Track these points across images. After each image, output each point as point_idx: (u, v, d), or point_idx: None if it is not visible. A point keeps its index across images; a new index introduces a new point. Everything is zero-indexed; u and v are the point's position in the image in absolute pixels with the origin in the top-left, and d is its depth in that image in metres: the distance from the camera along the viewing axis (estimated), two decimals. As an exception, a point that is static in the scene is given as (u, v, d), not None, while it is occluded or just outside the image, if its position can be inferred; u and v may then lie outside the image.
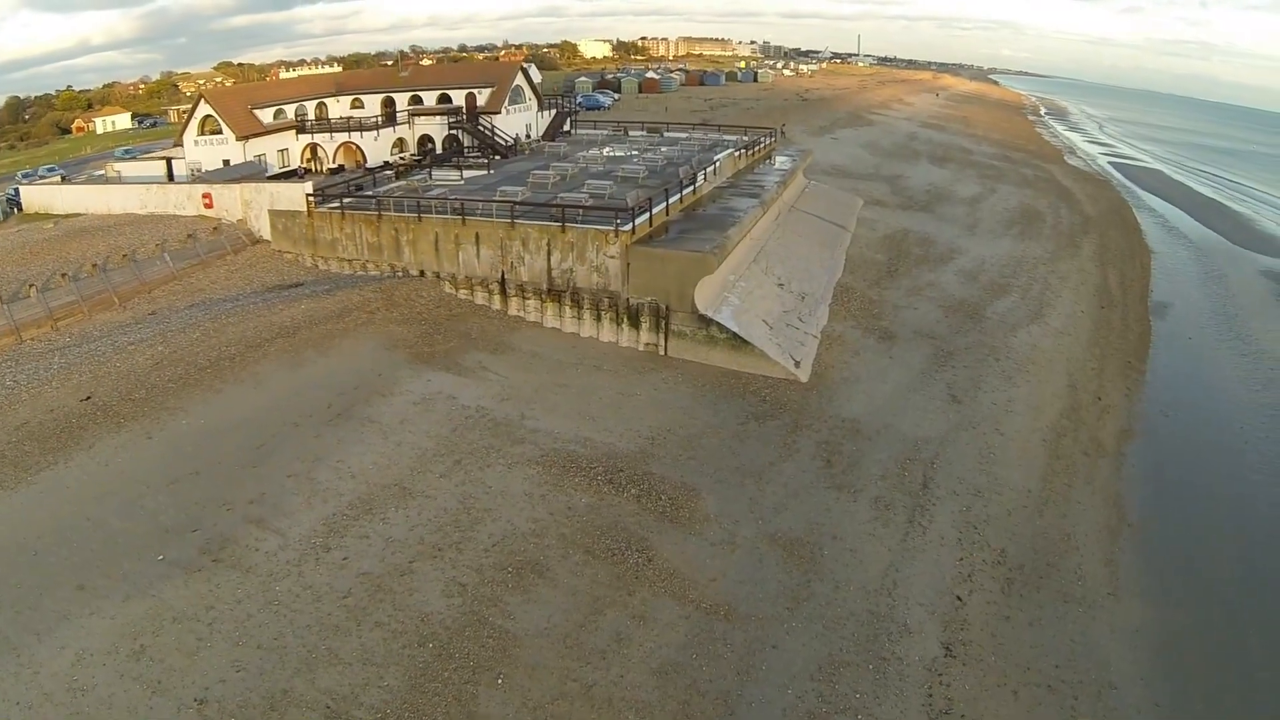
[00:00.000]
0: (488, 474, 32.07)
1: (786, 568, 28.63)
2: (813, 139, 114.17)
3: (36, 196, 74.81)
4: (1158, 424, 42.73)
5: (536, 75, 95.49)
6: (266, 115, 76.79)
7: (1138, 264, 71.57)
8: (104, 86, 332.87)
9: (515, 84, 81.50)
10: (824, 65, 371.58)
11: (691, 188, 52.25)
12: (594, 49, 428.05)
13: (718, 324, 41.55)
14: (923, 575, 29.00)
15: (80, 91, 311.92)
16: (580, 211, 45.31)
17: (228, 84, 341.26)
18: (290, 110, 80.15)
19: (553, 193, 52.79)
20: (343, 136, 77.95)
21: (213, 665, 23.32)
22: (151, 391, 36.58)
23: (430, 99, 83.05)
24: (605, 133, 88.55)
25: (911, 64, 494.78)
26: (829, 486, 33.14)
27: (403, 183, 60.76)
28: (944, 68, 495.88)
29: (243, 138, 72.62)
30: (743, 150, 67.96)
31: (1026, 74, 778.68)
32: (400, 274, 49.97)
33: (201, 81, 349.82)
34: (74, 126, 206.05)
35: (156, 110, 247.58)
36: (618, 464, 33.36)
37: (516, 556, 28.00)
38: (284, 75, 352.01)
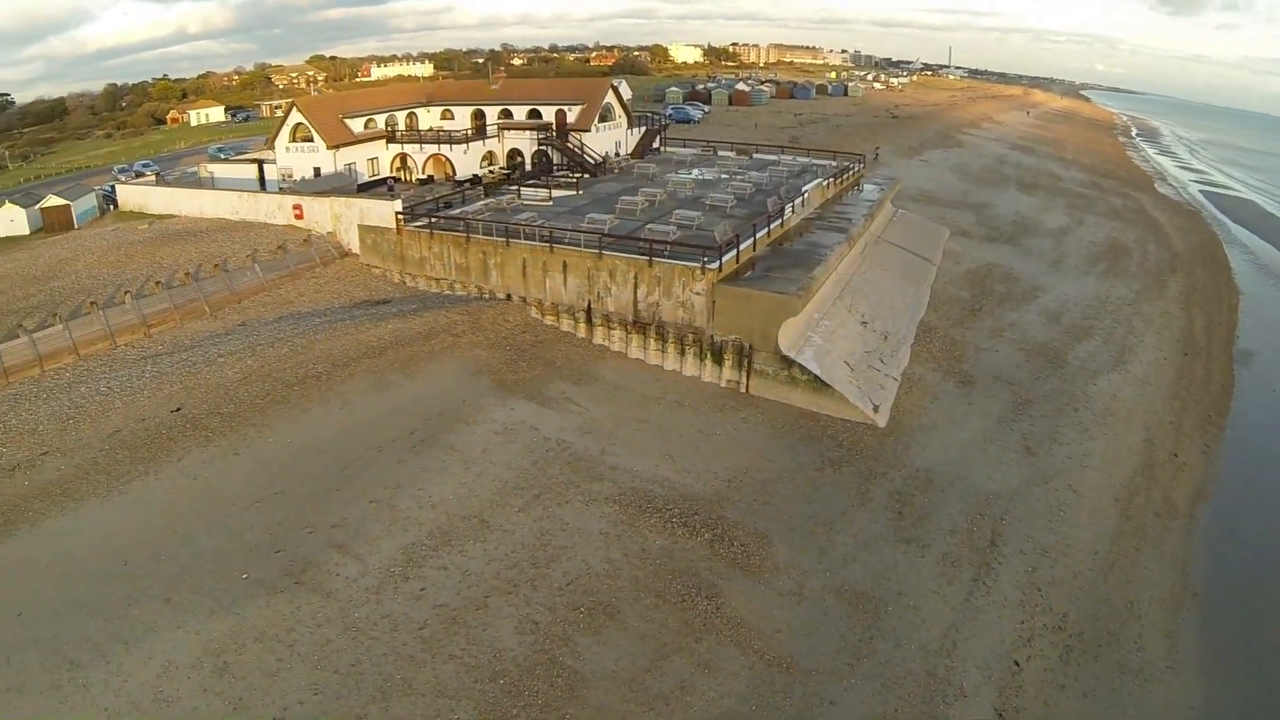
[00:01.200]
0: (565, 510, 33.31)
1: (850, 622, 29.35)
2: (902, 160, 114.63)
3: (132, 195, 78.55)
4: (1233, 485, 41.83)
5: (627, 91, 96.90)
6: (357, 124, 79.25)
7: (1225, 307, 70.02)
8: (199, 77, 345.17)
9: (606, 102, 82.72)
10: (914, 78, 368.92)
11: (779, 221, 52.85)
12: (685, 53, 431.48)
13: (800, 365, 42.39)
14: (983, 637, 29.47)
15: (175, 80, 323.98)
16: (667, 246, 46.44)
17: (319, 77, 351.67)
18: (381, 120, 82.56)
19: (641, 221, 54.02)
20: (432, 148, 79.93)
21: (292, 686, 24.87)
22: (240, 406, 38.59)
23: (520, 113, 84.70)
24: (694, 152, 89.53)
25: (1003, 78, 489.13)
26: (898, 540, 33.75)
27: (491, 200, 62.50)
28: (1035, 82, 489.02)
29: (333, 147, 75.05)
30: (831, 179, 68.42)
31: (1119, 90, 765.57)
32: (487, 296, 51.73)
33: (294, 75, 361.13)
34: (169, 117, 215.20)
35: (249, 103, 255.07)
36: (693, 506, 34.33)
37: (589, 597, 29.15)
38: (375, 71, 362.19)
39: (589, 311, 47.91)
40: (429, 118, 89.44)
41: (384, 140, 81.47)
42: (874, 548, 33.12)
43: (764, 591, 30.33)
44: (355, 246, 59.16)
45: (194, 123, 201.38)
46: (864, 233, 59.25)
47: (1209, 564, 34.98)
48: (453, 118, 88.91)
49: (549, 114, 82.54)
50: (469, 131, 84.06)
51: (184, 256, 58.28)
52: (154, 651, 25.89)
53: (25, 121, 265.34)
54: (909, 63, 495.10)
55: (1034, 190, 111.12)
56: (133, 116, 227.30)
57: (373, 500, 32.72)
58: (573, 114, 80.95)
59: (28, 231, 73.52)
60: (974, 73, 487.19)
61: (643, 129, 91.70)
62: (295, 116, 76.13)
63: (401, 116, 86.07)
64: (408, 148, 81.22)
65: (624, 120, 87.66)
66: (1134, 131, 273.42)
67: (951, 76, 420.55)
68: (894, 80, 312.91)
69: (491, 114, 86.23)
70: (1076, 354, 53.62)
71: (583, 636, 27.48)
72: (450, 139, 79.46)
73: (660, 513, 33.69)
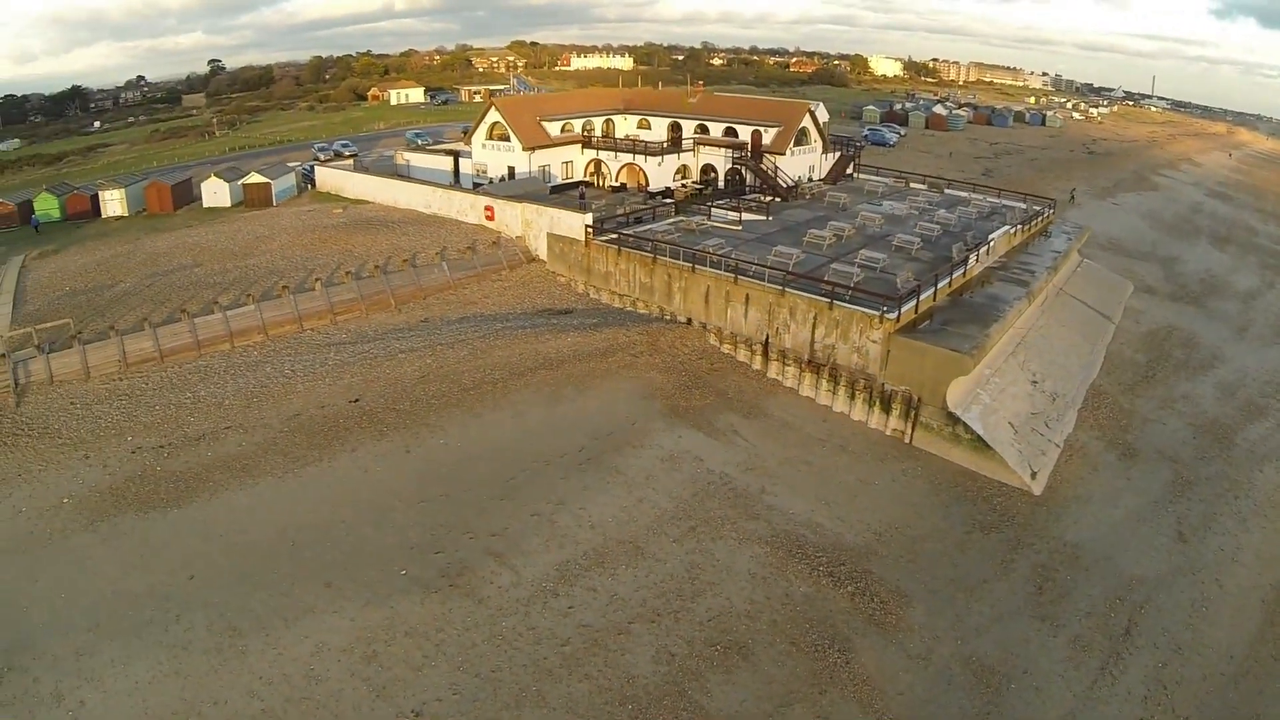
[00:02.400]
0: (718, 546, 34.41)
1: (971, 694, 29.50)
2: (1094, 201, 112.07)
3: (329, 178, 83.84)
4: None
5: (824, 114, 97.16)
6: (554, 128, 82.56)
7: None
8: (401, 55, 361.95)
9: (802, 126, 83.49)
10: (1115, 108, 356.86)
11: (962, 270, 53.02)
12: (885, 66, 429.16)
13: (964, 424, 42.51)
14: (1097, 728, 29.25)
15: (378, 56, 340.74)
16: (849, 290, 47.01)
17: (519, 63, 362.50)
18: (577, 124, 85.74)
19: (827, 257, 54.76)
20: (627, 157, 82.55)
21: (433, 683, 26.86)
22: (415, 405, 41.16)
23: (717, 130, 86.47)
24: (886, 183, 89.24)
25: (1206, 111, 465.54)
26: (1033, 616, 33.56)
27: (681, 219, 64.34)
28: (1241, 119, 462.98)
29: (529, 148, 78.39)
30: (1019, 226, 67.58)
31: None
32: (668, 318, 53.43)
33: (494, 59, 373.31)
34: (369, 94, 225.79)
35: (449, 84, 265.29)
36: (841, 556, 34.97)
37: (727, 635, 30.19)
38: (575, 61, 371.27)
39: (766, 345, 48.94)
40: (625, 125, 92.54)
41: (579, 145, 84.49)
42: (1008, 620, 33.14)
43: (895, 651, 30.77)
44: (543, 253, 61.66)
45: (394, 102, 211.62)
46: (1045, 286, 58.58)
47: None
48: (649, 127, 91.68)
49: (745, 133, 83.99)
50: (665, 143, 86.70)
51: (374, 247, 61.89)
52: (310, 631, 28.33)
53: (234, 88, 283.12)
54: (1110, 90, 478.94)
55: (1227, 245, 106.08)
56: (335, 90, 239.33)
57: (534, 514, 34.53)
58: (768, 135, 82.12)
59: (229, 204, 79.06)
60: (1177, 105, 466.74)
61: (837, 154, 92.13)
62: (493, 115, 79.81)
63: (599, 122, 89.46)
64: (603, 154, 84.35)
65: (819, 144, 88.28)
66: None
67: (1153, 109, 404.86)
68: (1094, 111, 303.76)
69: (688, 128, 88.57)
70: (1247, 435, 51.47)
71: (714, 674, 28.52)
72: (646, 150, 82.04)
73: (809, 560, 34.43)
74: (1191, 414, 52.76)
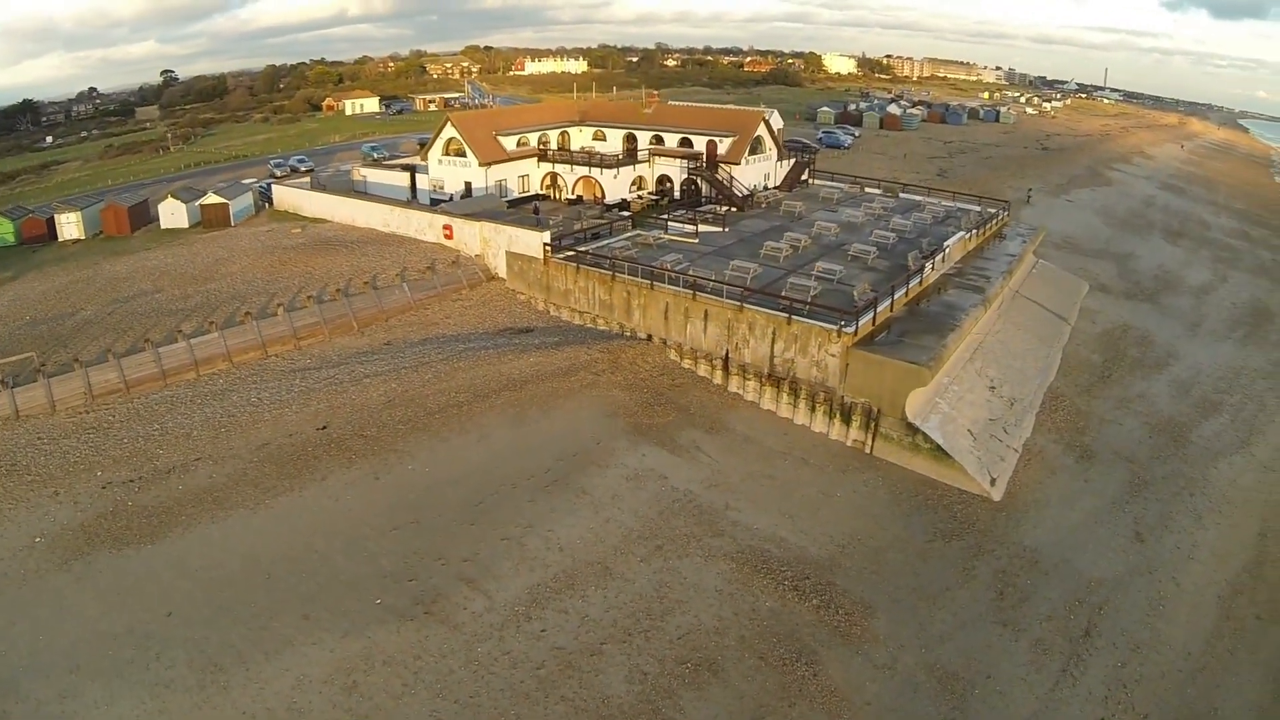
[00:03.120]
0: (685, 564, 35.35)
1: (936, 701, 30.56)
2: (1048, 199, 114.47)
3: (287, 196, 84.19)
4: None
5: (778, 121, 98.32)
6: (510, 142, 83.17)
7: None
8: (355, 62, 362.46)
9: (757, 134, 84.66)
10: (1068, 101, 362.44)
11: (918, 279, 54.50)
12: (839, 64, 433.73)
13: (924, 434, 43.66)
14: (1060, 729, 30.37)
15: (332, 64, 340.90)
16: (807, 305, 48.02)
17: (474, 69, 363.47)
18: (533, 137, 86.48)
19: (784, 269, 56.05)
20: (583, 170, 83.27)
21: (414, 711, 27.61)
22: (382, 430, 41.83)
23: (672, 140, 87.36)
24: (841, 189, 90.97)
25: (1158, 102, 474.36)
26: (996, 621, 34.69)
27: (638, 233, 65.32)
28: (1193, 109, 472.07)
29: (485, 164, 78.99)
30: (973, 231, 69.01)
31: None
32: (628, 334, 54.32)
33: (448, 65, 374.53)
34: (324, 104, 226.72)
35: (404, 92, 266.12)
36: (805, 570, 36.00)
37: (698, 652, 31.12)
38: (530, 66, 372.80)
39: (726, 360, 49.92)
40: (581, 137, 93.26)
41: (535, 158, 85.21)
42: (971, 627, 34.22)
43: (860, 662, 31.75)
44: (503, 271, 62.39)
45: (349, 112, 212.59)
46: (1001, 291, 60.09)
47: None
48: (604, 139, 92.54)
49: (700, 144, 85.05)
50: (620, 155, 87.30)
51: (335, 268, 62.36)
52: (290, 664, 29.00)
53: (188, 99, 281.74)
54: (1064, 83, 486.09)
55: (1180, 239, 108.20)
56: (290, 101, 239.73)
57: (504, 538, 35.34)
58: (723, 145, 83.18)
59: (187, 225, 79.05)
60: (1129, 96, 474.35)
61: (792, 160, 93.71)
62: (449, 131, 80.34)
63: (554, 134, 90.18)
64: (559, 168, 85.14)
65: (774, 152, 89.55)
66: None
67: (1106, 101, 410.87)
68: (1047, 105, 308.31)
69: (643, 139, 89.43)
70: (1202, 432, 53.10)
71: (686, 691, 29.42)
72: (602, 162, 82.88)
73: (774, 574, 35.40)
74: (1147, 413, 54.27)
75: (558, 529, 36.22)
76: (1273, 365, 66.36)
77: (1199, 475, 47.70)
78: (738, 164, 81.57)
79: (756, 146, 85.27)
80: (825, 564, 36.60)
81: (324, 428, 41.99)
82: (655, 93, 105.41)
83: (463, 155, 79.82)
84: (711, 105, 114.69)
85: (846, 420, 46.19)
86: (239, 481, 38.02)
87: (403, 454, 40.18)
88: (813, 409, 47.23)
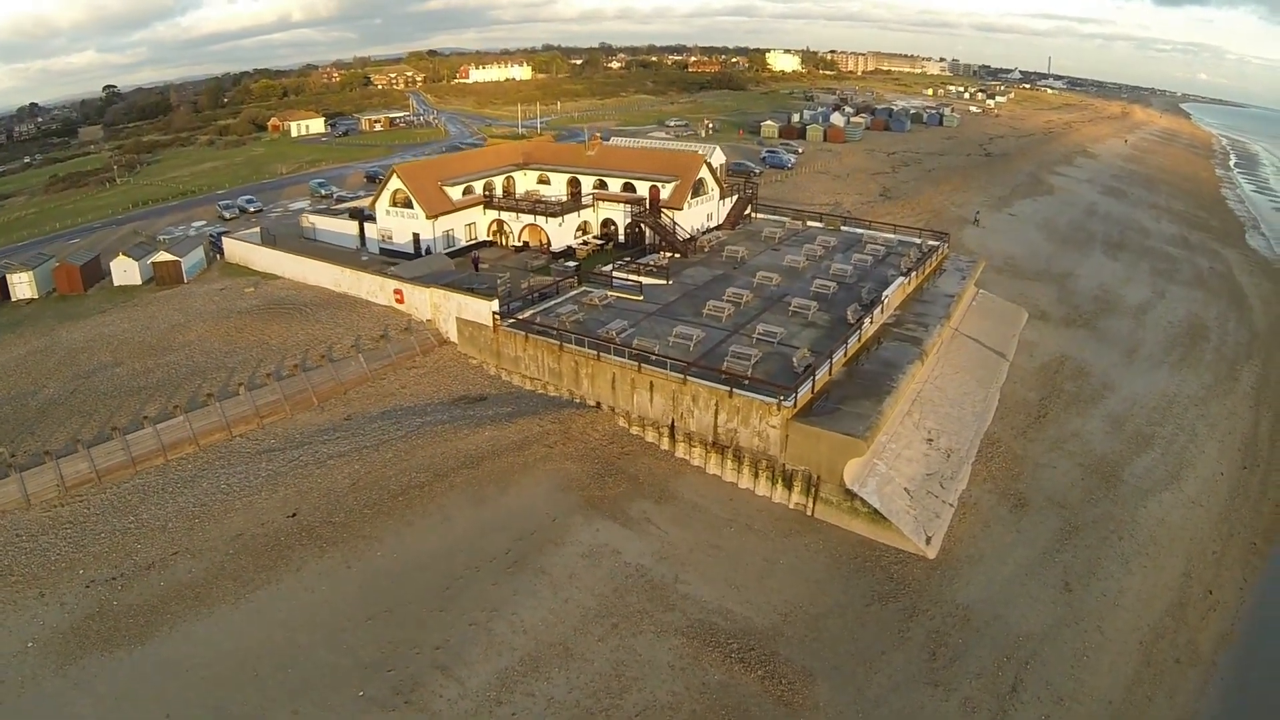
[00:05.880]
0: (639, 641, 38.57)
1: None
2: (989, 214, 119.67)
3: (238, 250, 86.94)
4: (1261, 626, 43.95)
5: (720, 157, 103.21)
6: (456, 191, 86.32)
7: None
8: (299, 73, 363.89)
9: (699, 177, 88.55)
10: (1012, 93, 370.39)
11: (857, 334, 57.91)
12: (783, 61, 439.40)
13: (861, 498, 46.94)
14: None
15: (276, 74, 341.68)
16: (747, 379, 51.07)
17: (418, 79, 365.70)
18: (478, 185, 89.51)
19: (727, 328, 59.78)
20: (529, 218, 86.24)
21: (399, 799, 30.64)
22: (350, 516, 44.71)
23: (615, 185, 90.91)
24: (784, 222, 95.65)
25: (1102, 89, 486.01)
26: (927, 682, 37.81)
27: (585, 289, 68.61)
28: (1136, 95, 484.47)
29: (432, 216, 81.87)
30: (912, 273, 73.20)
31: (1222, 102, 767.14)
32: (579, 402, 57.52)
33: (393, 75, 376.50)
34: (270, 124, 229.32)
35: (348, 108, 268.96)
36: (750, 641, 39.24)
37: (655, 729, 34.50)
38: (474, 74, 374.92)
39: (672, 428, 53.27)
40: (525, 181, 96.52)
41: (481, 206, 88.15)
42: (904, 689, 37.29)
43: (802, 732, 35.14)
44: (454, 336, 65.30)
45: (294, 134, 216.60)
46: (939, 340, 63.49)
47: (1218, 717, 38.16)
48: (548, 182, 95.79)
49: (643, 189, 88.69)
50: (564, 199, 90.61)
51: (291, 338, 64.95)
52: (283, 760, 31.94)
53: (131, 116, 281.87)
54: (1008, 72, 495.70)
55: (1120, 251, 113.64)
56: (235, 121, 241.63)
57: (471, 623, 38.35)
58: (666, 190, 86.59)
59: (140, 282, 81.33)
60: (1073, 84, 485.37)
61: (734, 197, 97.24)
62: (395, 183, 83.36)
63: (499, 180, 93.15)
64: (505, 215, 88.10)
65: (716, 192, 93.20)
66: (1232, 160, 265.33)
67: (1050, 91, 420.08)
68: (990, 102, 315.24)
69: (587, 183, 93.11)
70: (1134, 469, 56.06)
71: (648, 767, 32.78)
72: (547, 210, 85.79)
73: (721, 647, 38.56)
74: (1081, 453, 57.69)
75: (521, 611, 39.20)
76: (1205, 389, 70.24)
77: (1128, 517, 50.86)
78: (680, 209, 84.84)
79: (699, 188, 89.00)
80: (769, 633, 39.75)
81: (294, 515, 44.68)
82: (598, 135, 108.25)
83: (410, 206, 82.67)
84: (653, 148, 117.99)
85: (789, 485, 49.53)
86: (218, 575, 40.48)
87: (370, 539, 42.97)
88: (756, 475, 50.58)
